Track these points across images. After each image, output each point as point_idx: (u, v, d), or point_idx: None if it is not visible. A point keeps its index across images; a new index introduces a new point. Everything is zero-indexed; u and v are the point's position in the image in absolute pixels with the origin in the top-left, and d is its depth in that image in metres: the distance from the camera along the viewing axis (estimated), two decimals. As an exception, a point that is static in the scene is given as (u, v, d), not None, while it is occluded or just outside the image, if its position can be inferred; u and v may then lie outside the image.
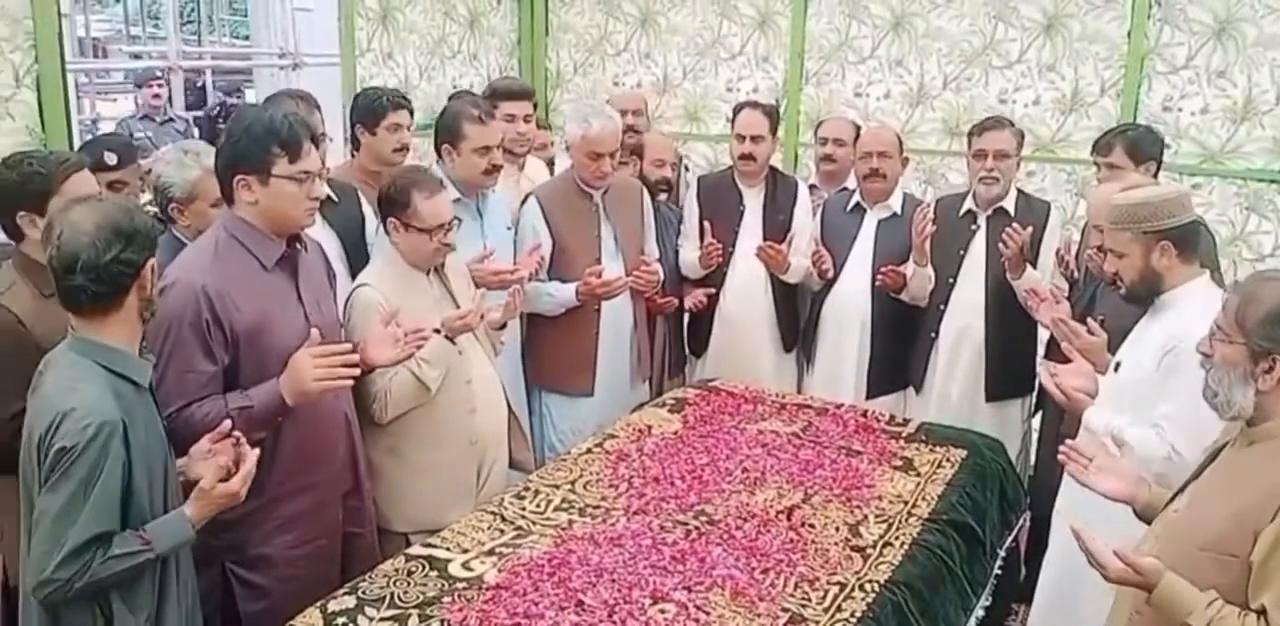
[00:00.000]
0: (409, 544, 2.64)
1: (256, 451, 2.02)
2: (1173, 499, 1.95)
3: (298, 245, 2.33)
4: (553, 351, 3.42)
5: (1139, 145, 3.24)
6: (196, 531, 1.90)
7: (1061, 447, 2.20)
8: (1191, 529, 1.83)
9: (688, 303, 3.75)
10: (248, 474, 1.93)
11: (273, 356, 2.20)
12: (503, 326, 2.95)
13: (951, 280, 3.44)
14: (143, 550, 1.80)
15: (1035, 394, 3.50)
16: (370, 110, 3.25)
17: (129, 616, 1.85)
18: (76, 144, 3.34)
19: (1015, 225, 3.22)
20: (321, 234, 2.99)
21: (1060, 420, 2.91)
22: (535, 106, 3.79)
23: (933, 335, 3.49)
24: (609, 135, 3.31)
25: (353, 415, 2.50)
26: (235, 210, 2.25)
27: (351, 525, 2.49)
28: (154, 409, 1.93)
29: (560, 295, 3.32)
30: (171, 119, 6.42)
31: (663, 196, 3.82)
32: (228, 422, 2.02)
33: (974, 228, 3.44)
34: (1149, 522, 2.02)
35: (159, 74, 6.77)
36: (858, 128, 3.89)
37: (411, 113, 3.32)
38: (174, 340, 2.10)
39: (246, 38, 10.80)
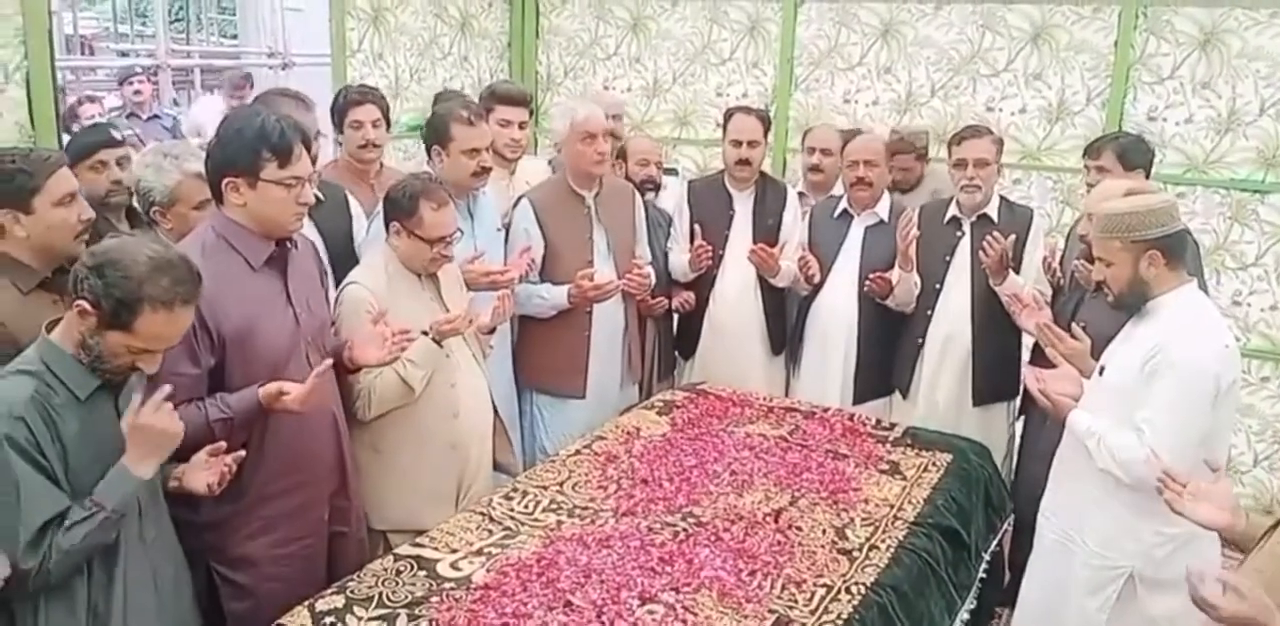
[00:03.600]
0: (388, 541, 2.66)
1: (242, 452, 2.03)
2: (1273, 529, 1.88)
3: (288, 243, 2.32)
4: (544, 353, 3.42)
5: (1129, 152, 3.28)
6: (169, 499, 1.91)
7: (1158, 476, 2.09)
8: None
9: (674, 303, 3.77)
10: (154, 403, 1.88)
11: (260, 358, 2.20)
12: (492, 331, 2.95)
13: (938, 286, 3.47)
14: (95, 512, 1.81)
15: (1020, 398, 3.53)
16: (336, 107, 3.26)
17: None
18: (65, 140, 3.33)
19: (996, 234, 3.25)
20: (307, 232, 3.02)
21: (1043, 424, 2.94)
22: (531, 113, 3.80)
23: (919, 341, 3.52)
24: (596, 116, 3.33)
25: (340, 413, 2.50)
26: (224, 210, 2.25)
27: (338, 524, 2.49)
28: (109, 417, 1.92)
29: (553, 298, 3.33)
30: (157, 116, 6.39)
31: (649, 196, 3.83)
32: (223, 443, 2.04)
33: (959, 234, 3.47)
34: (1243, 551, 1.95)
35: (139, 71, 6.73)
36: (844, 135, 3.92)
37: (383, 109, 3.31)
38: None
39: (235, 37, 10.77)
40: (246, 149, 2.18)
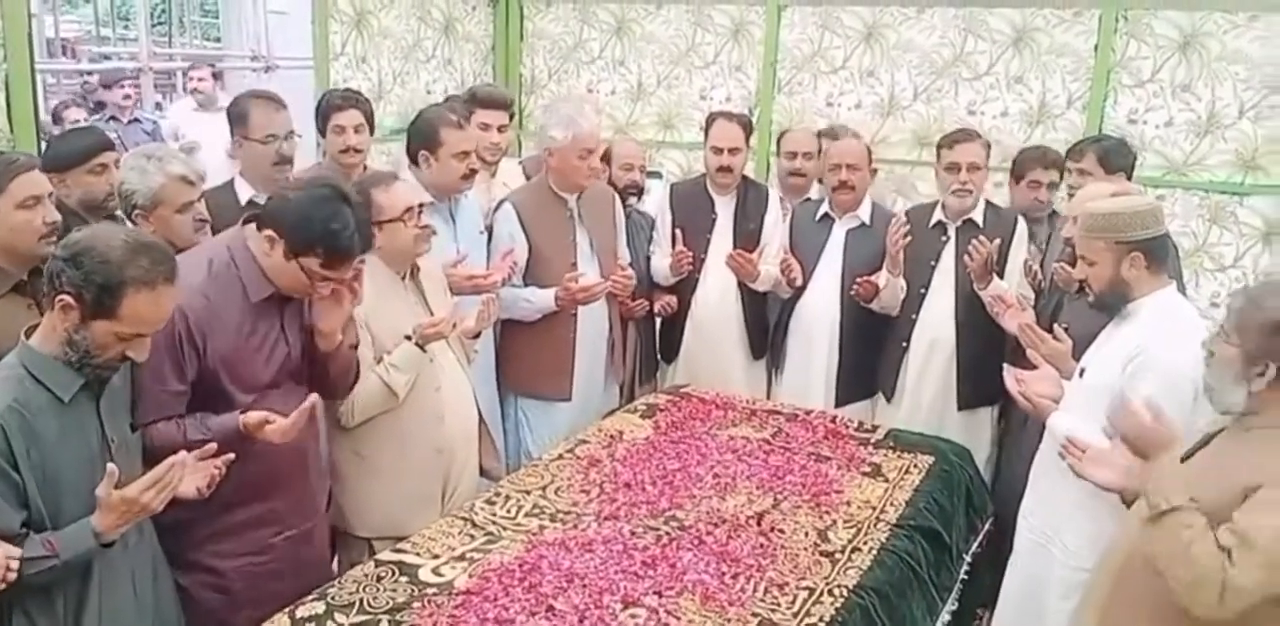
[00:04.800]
0: (371, 548, 2.64)
1: (231, 455, 2.02)
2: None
3: None
4: (529, 357, 3.42)
5: (1111, 155, 3.31)
6: (105, 543, 1.84)
7: (1061, 442, 2.25)
8: None
9: (655, 307, 3.77)
10: (153, 480, 1.84)
11: (243, 386, 2.19)
12: (477, 335, 2.94)
13: (923, 290, 3.48)
14: (47, 556, 1.78)
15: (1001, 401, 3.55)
16: (319, 112, 3.26)
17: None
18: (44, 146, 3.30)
19: (981, 238, 3.26)
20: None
21: (1024, 426, 2.95)
22: (512, 117, 3.80)
23: (904, 344, 3.53)
24: (595, 131, 3.34)
25: (314, 439, 2.48)
26: (250, 240, 2.22)
27: (305, 542, 2.46)
28: (92, 421, 1.91)
29: (538, 301, 3.32)
30: (138, 119, 6.37)
31: (633, 200, 3.84)
32: (213, 445, 2.02)
33: (944, 239, 3.48)
34: None
35: (128, 74, 6.71)
36: (819, 137, 3.93)
37: (367, 114, 3.31)
38: (154, 351, 2.08)
39: (218, 40, 10.71)
40: (306, 235, 2.15)
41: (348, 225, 2.16)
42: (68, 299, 1.80)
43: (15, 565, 1.71)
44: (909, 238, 3.36)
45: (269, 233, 2.17)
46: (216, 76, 6.66)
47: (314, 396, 2.25)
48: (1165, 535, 1.81)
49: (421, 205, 2.69)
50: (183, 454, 1.90)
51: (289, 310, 2.31)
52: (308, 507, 2.47)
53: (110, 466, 1.79)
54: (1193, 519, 1.78)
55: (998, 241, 3.27)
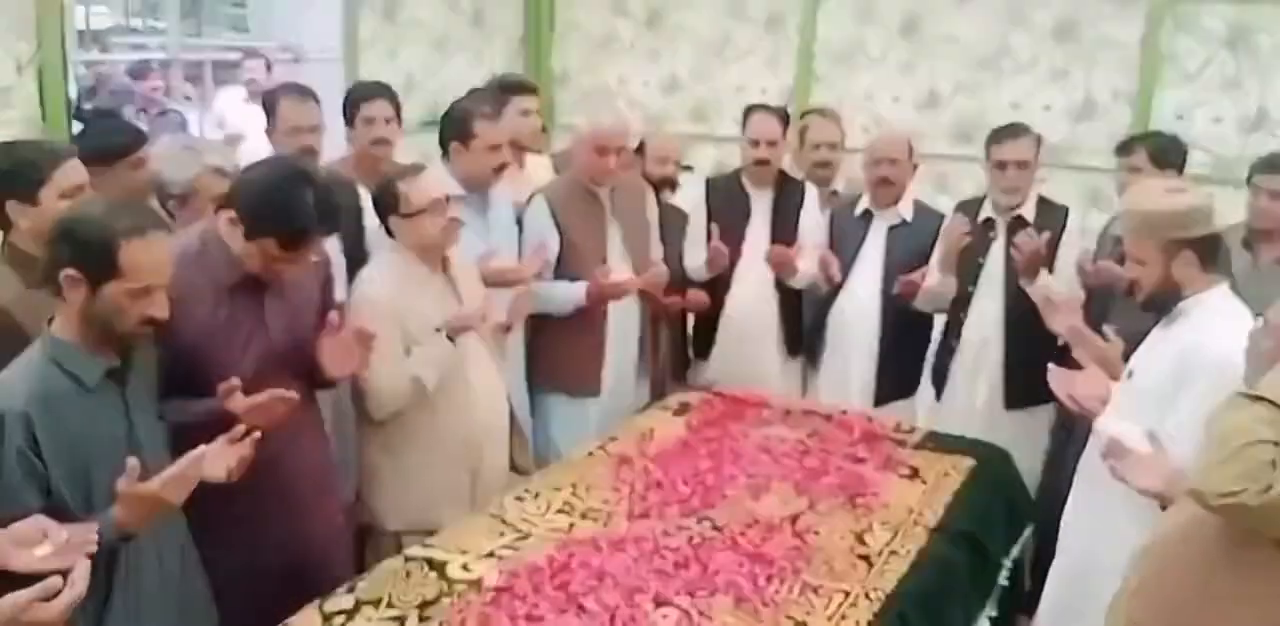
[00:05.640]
0: (400, 543, 2.61)
1: (258, 434, 1.98)
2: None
3: None
4: (559, 352, 3.38)
5: (1163, 152, 3.23)
6: (126, 537, 1.80)
7: (1104, 445, 2.20)
8: None
9: (688, 303, 3.72)
10: (174, 476, 1.80)
11: (215, 374, 2.11)
12: (508, 329, 2.91)
13: (971, 288, 3.41)
14: None
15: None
16: (347, 103, 3.24)
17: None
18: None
19: (1029, 230, 3.18)
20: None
21: (1079, 429, 2.87)
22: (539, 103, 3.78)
23: (954, 343, 3.46)
24: (617, 131, 3.26)
25: (316, 435, 2.45)
26: (222, 225, 2.16)
27: (321, 535, 2.43)
28: (117, 408, 1.89)
29: (569, 295, 3.28)
30: (166, 112, 6.38)
31: (667, 194, 3.79)
32: (240, 427, 1.97)
33: (992, 235, 3.40)
34: None
35: (155, 66, 6.73)
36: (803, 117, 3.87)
37: (396, 105, 3.28)
38: None
39: (248, 31, 10.76)
40: (261, 215, 2.11)
41: (305, 206, 2.10)
42: (71, 272, 1.80)
43: (94, 538, 1.67)
44: (968, 239, 3.28)
45: (230, 214, 2.14)
46: (269, 67, 6.68)
47: (291, 392, 2.15)
48: (1238, 421, 1.68)
49: (449, 197, 2.66)
50: (203, 448, 1.87)
51: (271, 299, 2.25)
52: (320, 501, 2.43)
53: (131, 461, 1.75)
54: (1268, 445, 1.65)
55: (1047, 234, 3.19)
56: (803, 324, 3.77)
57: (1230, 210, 3.93)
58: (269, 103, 3.11)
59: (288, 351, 2.28)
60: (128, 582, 1.90)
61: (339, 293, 2.66)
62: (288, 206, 2.09)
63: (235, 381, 2.07)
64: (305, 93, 3.13)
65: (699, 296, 3.71)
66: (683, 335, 3.90)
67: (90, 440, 1.83)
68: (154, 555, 1.97)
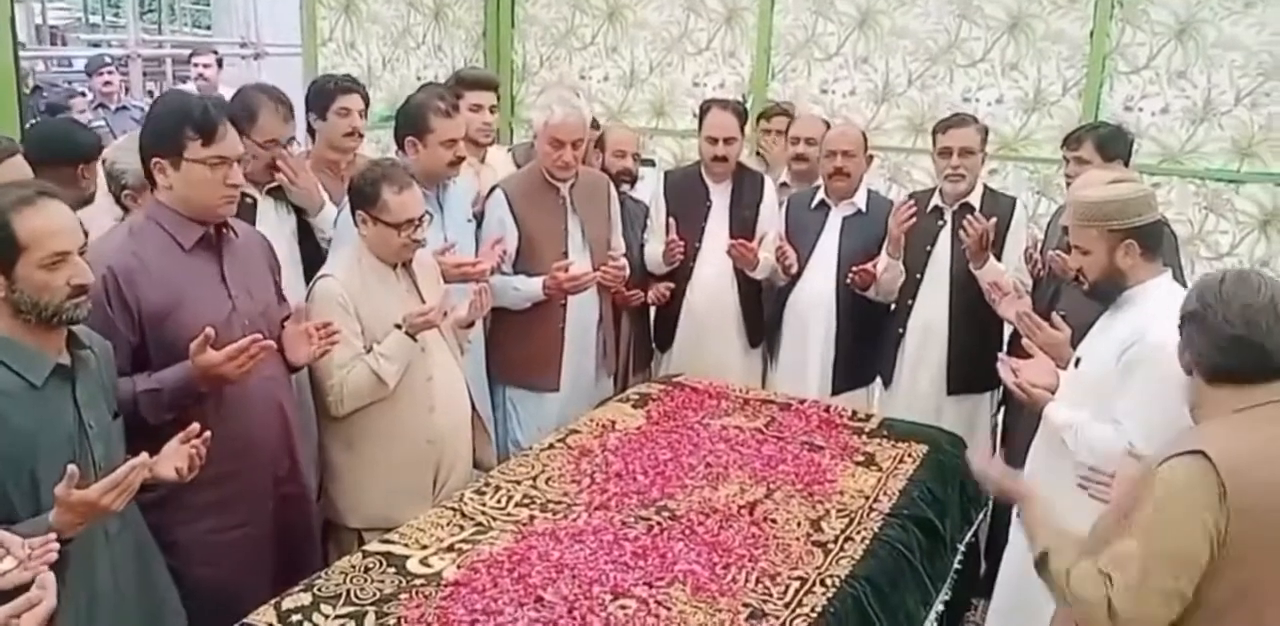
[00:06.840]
0: (361, 540, 2.62)
1: (209, 434, 1.97)
2: None
3: (225, 230, 2.29)
4: (518, 347, 3.38)
5: (1109, 143, 3.27)
6: (64, 541, 1.73)
7: (1080, 474, 2.22)
8: None
9: (650, 296, 3.74)
10: (113, 483, 1.76)
11: (185, 336, 2.12)
12: (470, 325, 2.91)
13: (919, 276, 3.45)
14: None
15: (1002, 389, 3.52)
16: (320, 95, 3.19)
17: None
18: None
19: (977, 215, 3.23)
20: (280, 216, 2.98)
21: (1022, 415, 2.92)
22: (499, 98, 3.76)
23: (900, 331, 3.50)
24: (571, 124, 3.27)
25: (290, 404, 2.44)
26: (156, 194, 2.23)
27: (288, 514, 2.44)
28: (67, 407, 1.86)
29: (527, 289, 3.29)
30: (126, 107, 6.30)
31: (625, 187, 3.80)
32: (194, 427, 1.97)
33: (940, 223, 3.45)
34: None
35: (108, 61, 6.64)
36: (826, 125, 3.90)
37: (365, 98, 3.25)
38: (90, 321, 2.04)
39: (209, 27, 10.63)
40: (170, 128, 2.15)
41: (199, 103, 2.18)
42: None
43: (54, 547, 1.63)
44: (913, 220, 3.33)
45: (155, 161, 2.18)
46: (220, 63, 6.61)
47: (270, 342, 2.19)
48: (1050, 579, 1.81)
49: (422, 218, 2.66)
50: (144, 456, 1.84)
51: (230, 260, 2.29)
52: (291, 469, 2.44)
53: (70, 467, 1.72)
54: (1062, 555, 1.79)
55: (994, 219, 3.24)
56: (763, 314, 3.80)
57: (1179, 199, 4.05)
58: (246, 107, 2.86)
59: (253, 316, 2.29)
60: (77, 583, 1.88)
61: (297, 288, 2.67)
62: (184, 110, 2.16)
63: (209, 331, 2.09)
64: (285, 103, 2.97)
65: (661, 290, 3.73)
66: (645, 328, 3.92)
67: (37, 439, 1.81)
68: (106, 559, 1.95)
